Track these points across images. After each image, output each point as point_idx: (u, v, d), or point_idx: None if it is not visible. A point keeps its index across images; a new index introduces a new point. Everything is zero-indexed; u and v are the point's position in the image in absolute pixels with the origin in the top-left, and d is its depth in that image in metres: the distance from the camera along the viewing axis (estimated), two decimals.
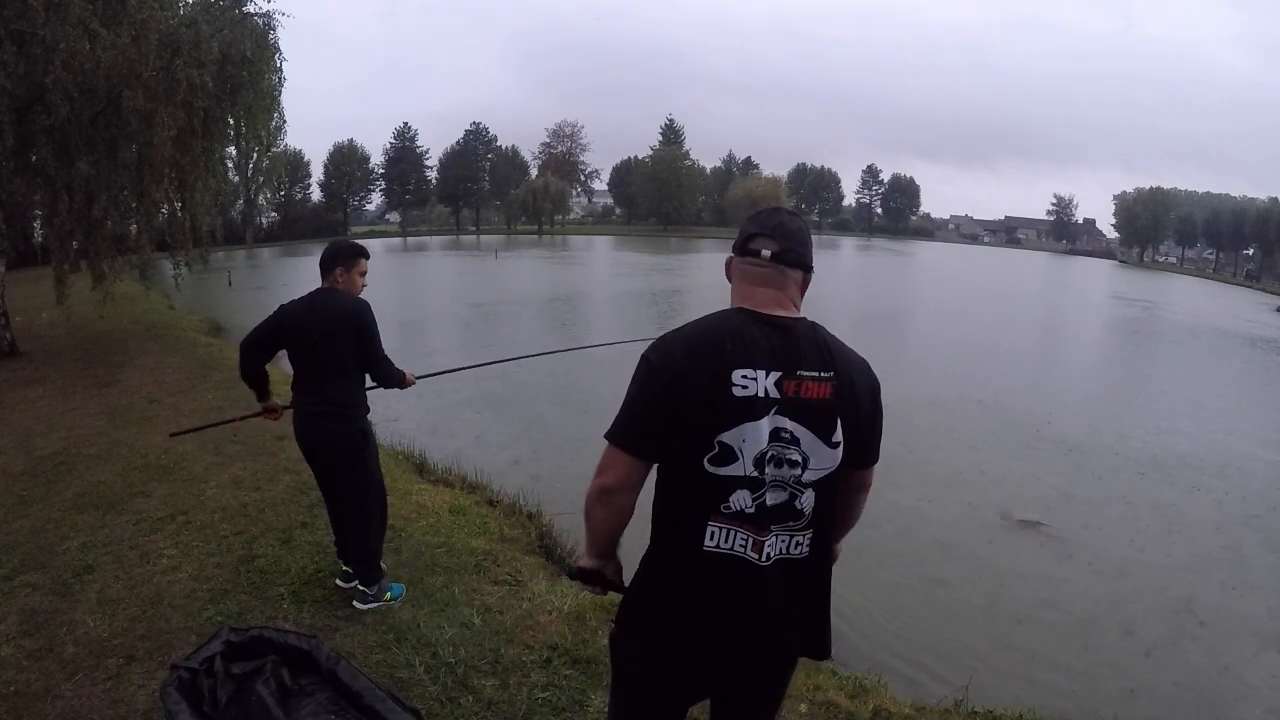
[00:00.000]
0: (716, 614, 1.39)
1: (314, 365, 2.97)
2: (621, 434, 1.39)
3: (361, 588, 3.15)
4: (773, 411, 1.36)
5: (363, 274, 3.05)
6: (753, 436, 1.35)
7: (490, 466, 6.04)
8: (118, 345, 10.20)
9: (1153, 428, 9.28)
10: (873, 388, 1.48)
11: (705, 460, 1.35)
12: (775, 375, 1.37)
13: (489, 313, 17.40)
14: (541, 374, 10.75)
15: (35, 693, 2.55)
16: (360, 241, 3.34)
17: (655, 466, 1.45)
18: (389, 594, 3.21)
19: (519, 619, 3.12)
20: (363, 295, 3.07)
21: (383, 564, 3.28)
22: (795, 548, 1.41)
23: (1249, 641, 4.46)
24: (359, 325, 2.92)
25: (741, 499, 1.36)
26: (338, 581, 3.28)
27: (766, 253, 1.46)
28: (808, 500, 1.40)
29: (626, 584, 1.56)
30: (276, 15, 11.16)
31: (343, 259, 3.00)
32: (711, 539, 1.37)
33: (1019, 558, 5.36)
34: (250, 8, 10.89)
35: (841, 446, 1.41)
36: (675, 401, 1.36)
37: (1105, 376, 13.51)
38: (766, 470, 1.36)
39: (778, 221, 1.50)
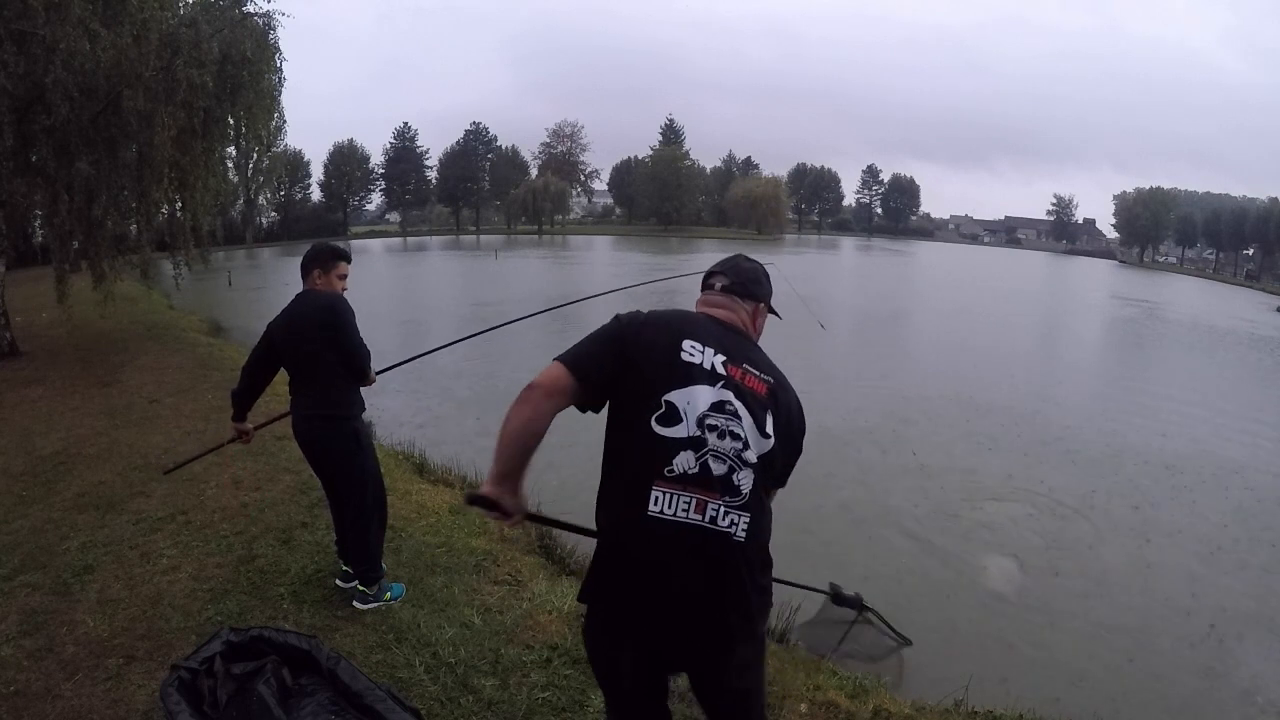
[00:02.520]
0: (660, 575, 1.47)
1: (301, 367, 2.99)
2: (566, 352, 1.56)
3: (361, 588, 3.15)
4: (719, 385, 1.52)
5: (342, 276, 3.05)
6: (696, 400, 1.50)
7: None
8: (118, 345, 10.20)
9: (1157, 427, 9.27)
10: (799, 412, 1.65)
11: (653, 420, 1.48)
12: (721, 357, 1.56)
13: (491, 314, 17.38)
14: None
15: (35, 693, 2.56)
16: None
17: (604, 447, 1.56)
18: (389, 594, 3.21)
19: (519, 619, 3.12)
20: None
21: (383, 564, 3.28)
22: (733, 526, 1.48)
23: (1250, 638, 4.46)
24: (332, 318, 2.91)
25: (685, 460, 1.46)
26: (338, 581, 3.28)
27: (718, 284, 1.75)
28: (745, 479, 1.49)
29: (533, 512, 1.66)
30: (276, 15, 11.20)
31: (320, 262, 3.01)
32: (655, 504, 1.45)
33: (1020, 557, 5.35)
34: (250, 8, 10.92)
35: (772, 441, 1.55)
36: (628, 347, 1.55)
37: (1106, 376, 13.50)
38: (709, 437, 1.48)
39: (734, 264, 1.80)
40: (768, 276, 1.81)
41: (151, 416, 6.40)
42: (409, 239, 61.33)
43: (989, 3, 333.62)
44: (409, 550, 3.76)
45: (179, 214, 10.96)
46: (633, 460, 1.50)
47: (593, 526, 1.62)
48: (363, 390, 3.14)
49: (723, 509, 1.47)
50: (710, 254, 40.60)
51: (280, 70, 11.72)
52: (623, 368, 1.53)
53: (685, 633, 1.51)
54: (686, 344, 1.55)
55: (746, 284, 1.75)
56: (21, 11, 7.76)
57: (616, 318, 1.62)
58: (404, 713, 2.14)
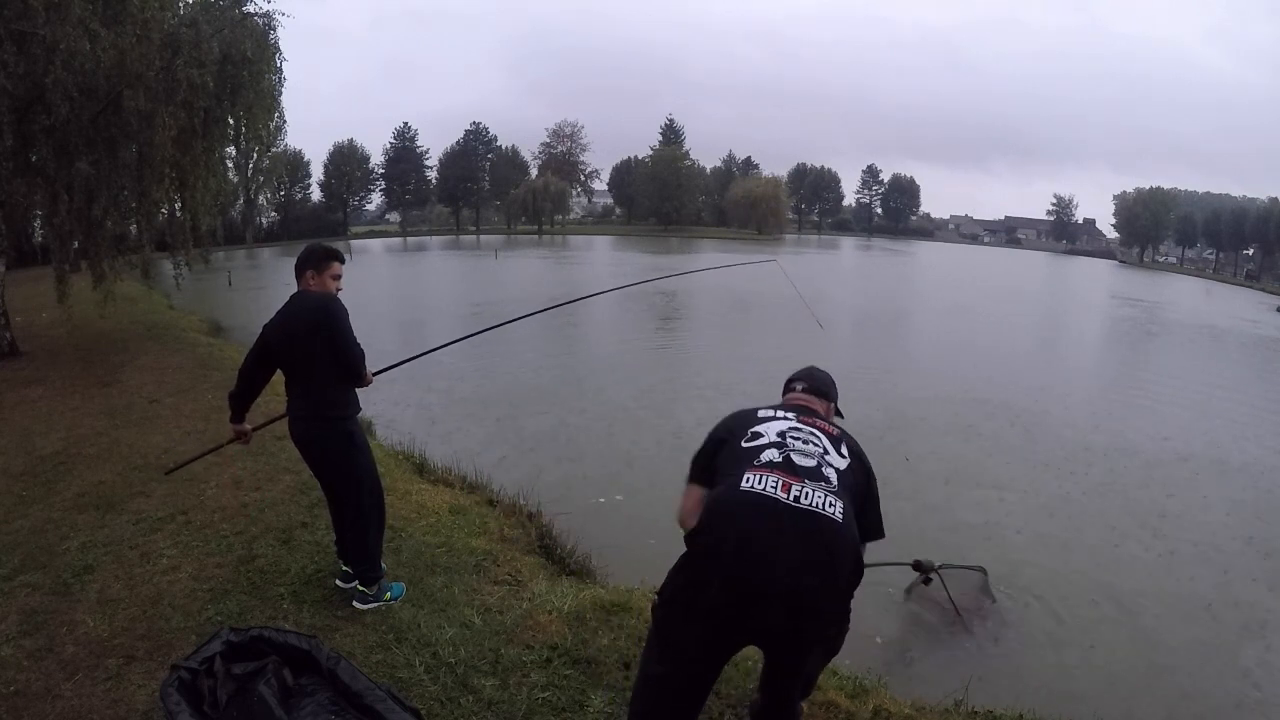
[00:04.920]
0: (752, 540, 1.65)
1: (295, 369, 2.98)
2: (691, 476, 2.01)
3: (361, 588, 3.15)
4: (788, 421, 1.95)
5: (336, 277, 3.04)
6: (775, 427, 1.92)
7: (490, 466, 6.04)
8: (118, 345, 10.20)
9: (1161, 427, 9.27)
10: (865, 456, 1.96)
11: (742, 441, 1.90)
12: (794, 414, 2.00)
13: (491, 314, 17.39)
14: (544, 374, 10.76)
15: (35, 693, 2.56)
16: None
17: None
18: (389, 594, 3.21)
19: (519, 619, 3.12)
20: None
21: (383, 564, 3.28)
22: (829, 506, 1.70)
23: (1255, 634, 4.45)
24: (325, 319, 2.90)
25: (770, 454, 1.81)
26: (337, 582, 3.28)
27: (799, 387, 2.26)
28: (833, 474, 1.79)
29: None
30: (276, 15, 11.21)
31: (313, 262, 3.00)
32: (747, 482, 1.75)
33: (1020, 556, 5.35)
34: (250, 8, 10.92)
35: (848, 460, 1.87)
36: (717, 432, 2.01)
37: (1108, 376, 13.50)
38: (790, 442, 1.84)
39: (810, 372, 2.32)
40: (834, 383, 2.32)
41: (151, 416, 6.40)
42: (409, 239, 61.31)
43: (980, 3, 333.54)
44: (409, 550, 3.76)
45: (179, 214, 10.96)
46: (729, 466, 1.85)
47: None
48: (362, 390, 3.14)
49: (809, 490, 1.71)
50: (711, 255, 40.53)
51: (280, 70, 11.73)
52: (716, 447, 1.96)
53: (768, 599, 1.64)
54: (761, 410, 2.04)
55: (821, 387, 2.25)
56: (21, 11, 7.76)
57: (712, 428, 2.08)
58: (404, 713, 2.14)
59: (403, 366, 3.71)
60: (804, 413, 2.02)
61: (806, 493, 1.69)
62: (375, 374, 3.16)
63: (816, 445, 1.84)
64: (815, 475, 1.75)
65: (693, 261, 35.91)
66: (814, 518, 1.67)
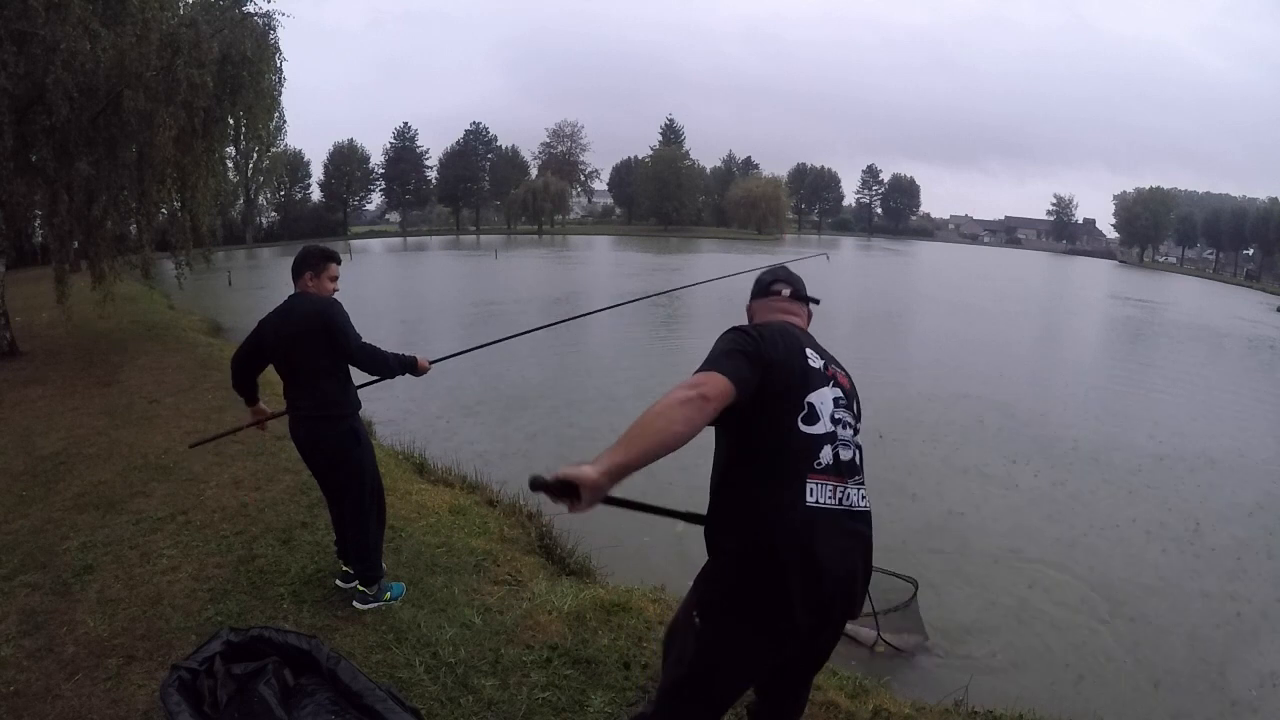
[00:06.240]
0: (820, 559, 1.56)
1: (294, 369, 2.99)
2: (714, 362, 1.61)
3: (361, 588, 3.15)
4: (831, 385, 1.74)
5: (333, 278, 3.05)
6: (827, 399, 1.70)
7: (490, 466, 6.04)
8: (118, 345, 10.20)
9: (1161, 427, 9.27)
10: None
11: (799, 420, 1.64)
12: (822, 360, 1.78)
13: (491, 313, 17.38)
14: (546, 373, 10.76)
15: (35, 693, 2.55)
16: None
17: (731, 451, 1.68)
18: (389, 594, 3.20)
19: (519, 619, 3.12)
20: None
21: (383, 564, 3.28)
22: (863, 499, 1.68)
23: (1255, 637, 4.45)
24: (327, 324, 2.92)
25: (827, 454, 1.64)
26: (337, 582, 3.28)
27: (785, 291, 2.00)
28: (860, 458, 1.72)
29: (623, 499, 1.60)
30: (276, 15, 11.23)
31: (311, 264, 3.01)
32: (812, 495, 1.59)
33: (1018, 556, 5.35)
34: (250, 8, 10.94)
35: (859, 422, 1.78)
36: (765, 357, 1.65)
37: (1108, 374, 13.50)
38: (838, 430, 1.68)
39: (788, 273, 2.08)
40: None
41: (151, 416, 6.39)
42: (409, 239, 61.33)
43: (974, 4, 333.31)
44: (409, 550, 3.75)
45: (179, 214, 10.97)
46: (784, 457, 1.62)
47: (672, 506, 1.76)
48: (362, 391, 3.15)
49: (849, 491, 1.65)
50: (711, 254, 40.49)
51: (280, 70, 11.74)
52: (764, 376, 1.63)
53: (831, 613, 1.61)
54: (808, 352, 1.75)
55: (802, 291, 2.03)
56: (21, 11, 7.76)
57: (738, 328, 1.76)
58: (404, 713, 2.14)
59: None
60: (825, 358, 1.80)
61: (849, 493, 1.65)
62: (434, 362, 3.21)
63: (851, 426, 1.72)
64: (853, 470, 1.68)
65: (694, 261, 35.85)
66: (854, 517, 1.64)
